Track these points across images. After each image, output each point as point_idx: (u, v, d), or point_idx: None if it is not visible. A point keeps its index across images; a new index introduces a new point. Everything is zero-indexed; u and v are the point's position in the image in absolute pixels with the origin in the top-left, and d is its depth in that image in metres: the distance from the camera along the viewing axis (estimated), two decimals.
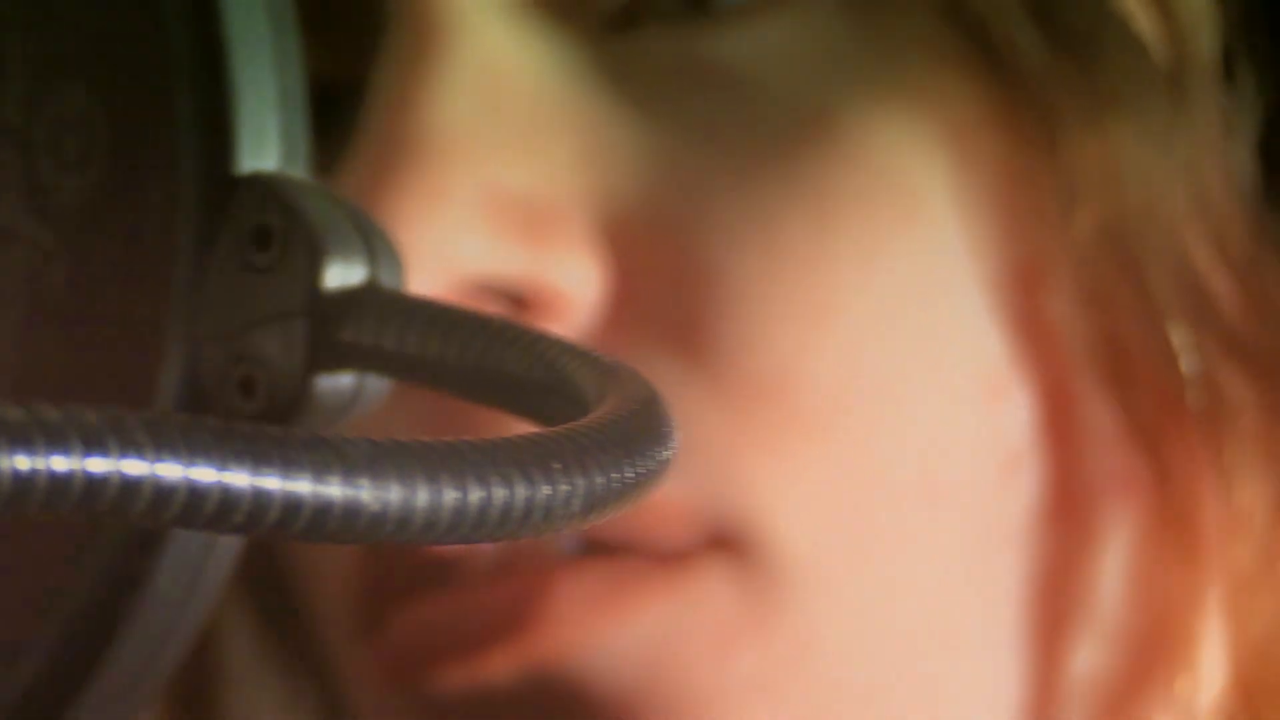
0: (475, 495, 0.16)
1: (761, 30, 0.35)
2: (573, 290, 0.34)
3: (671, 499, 0.33)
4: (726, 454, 0.33)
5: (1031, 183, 0.34)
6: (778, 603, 0.34)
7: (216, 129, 0.24)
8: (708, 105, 0.35)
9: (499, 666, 0.34)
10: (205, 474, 0.15)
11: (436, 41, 0.34)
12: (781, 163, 0.34)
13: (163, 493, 0.15)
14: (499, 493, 0.16)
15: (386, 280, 0.23)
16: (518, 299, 0.34)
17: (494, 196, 0.33)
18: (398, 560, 0.36)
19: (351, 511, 0.16)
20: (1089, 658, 0.36)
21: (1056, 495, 0.35)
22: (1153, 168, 0.34)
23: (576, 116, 0.35)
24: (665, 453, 0.19)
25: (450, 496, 0.16)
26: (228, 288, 0.23)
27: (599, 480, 0.17)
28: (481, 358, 0.22)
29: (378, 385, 0.23)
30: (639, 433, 0.18)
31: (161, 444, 0.15)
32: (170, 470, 0.15)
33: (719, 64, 0.35)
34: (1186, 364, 0.34)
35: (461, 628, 0.35)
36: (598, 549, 0.34)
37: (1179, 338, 0.34)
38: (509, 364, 0.21)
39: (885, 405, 0.34)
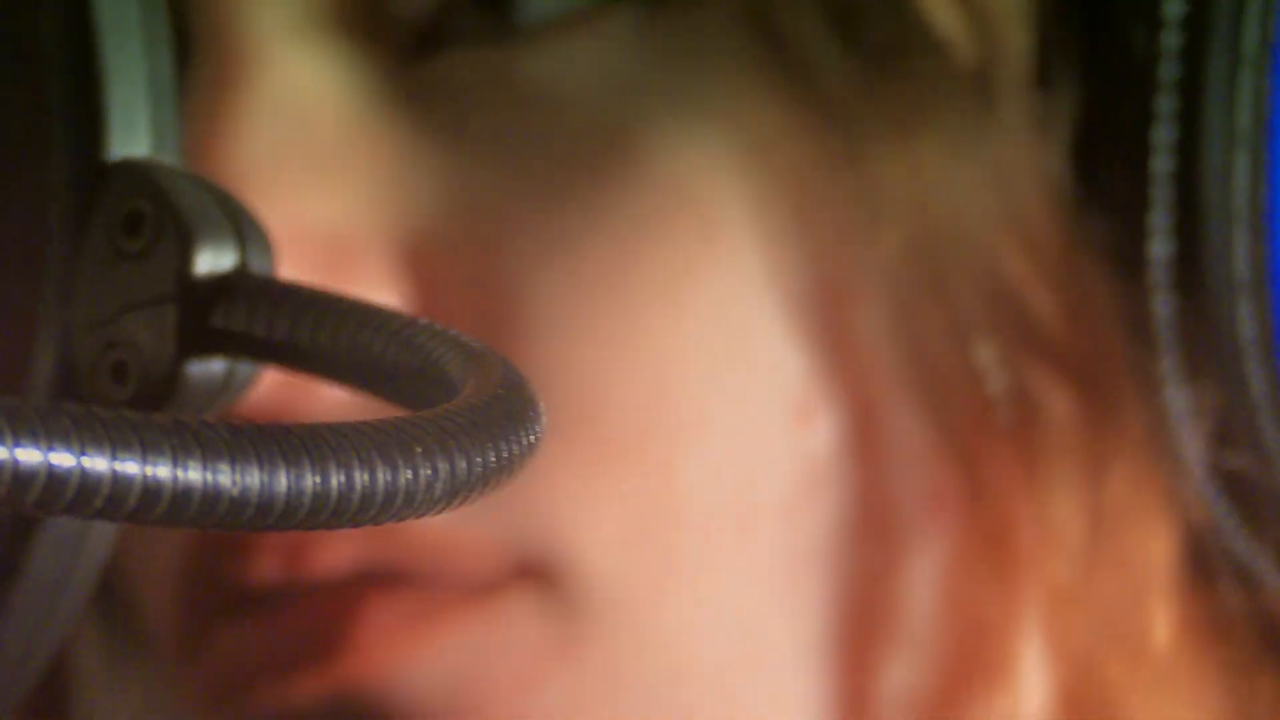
0: (336, 480, 0.16)
1: (565, 51, 0.34)
2: None
3: (476, 530, 0.34)
4: (531, 483, 0.34)
5: (836, 199, 0.34)
6: (584, 632, 0.34)
7: (87, 115, 0.24)
8: (511, 127, 0.35)
9: (307, 690, 0.34)
10: (64, 459, 0.15)
11: (237, 71, 0.34)
12: (584, 186, 0.34)
13: (21, 478, 0.15)
14: (360, 477, 0.17)
15: (257, 266, 0.23)
16: None
17: (295, 231, 0.33)
18: (218, 580, 0.36)
19: (211, 497, 0.16)
20: (901, 675, 0.36)
21: (864, 513, 0.35)
22: (960, 177, 0.34)
23: (379, 144, 0.34)
24: (530, 437, 0.19)
25: (311, 481, 0.16)
26: (99, 274, 0.23)
27: (462, 465, 0.17)
28: (350, 343, 0.22)
29: (249, 371, 0.23)
30: (504, 417, 0.19)
31: (20, 429, 0.15)
32: (29, 455, 0.15)
33: (523, 85, 0.34)
34: (995, 380, 0.34)
35: (272, 650, 0.35)
36: (406, 578, 0.34)
37: (986, 354, 0.34)
38: (377, 349, 0.22)
39: (691, 431, 0.34)
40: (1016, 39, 0.35)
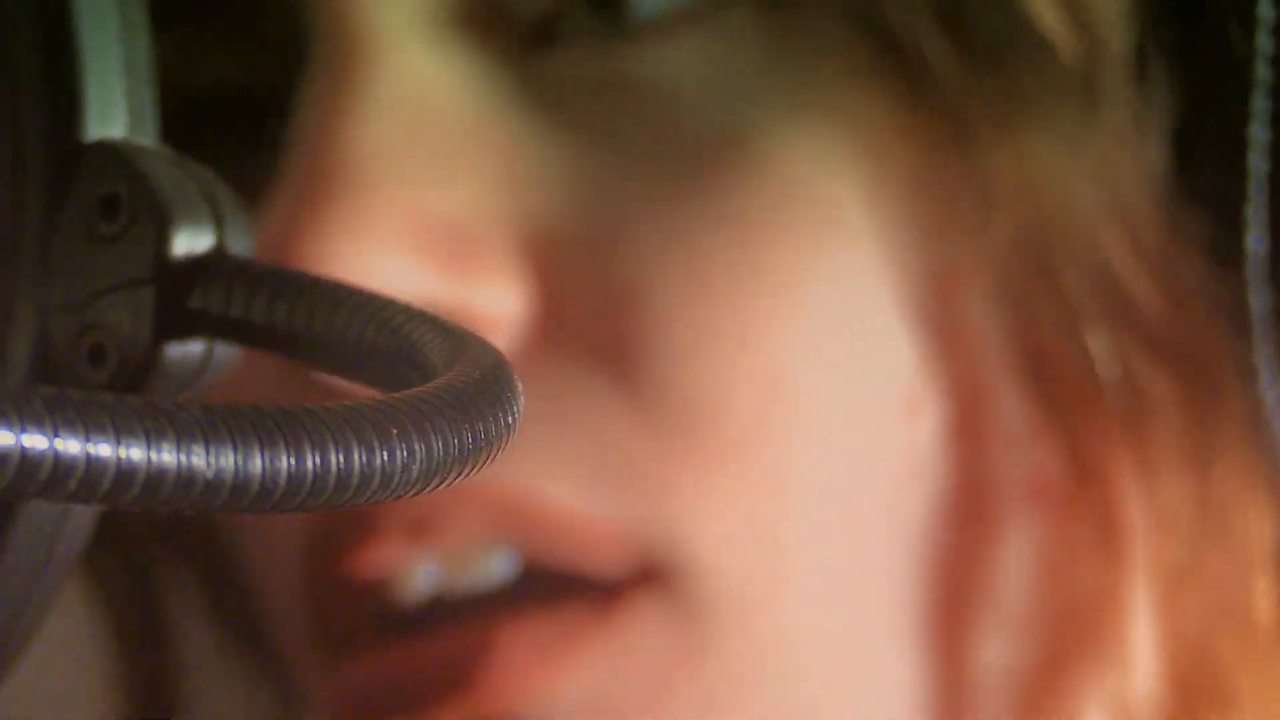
0: (311, 461, 0.16)
1: (678, 48, 0.35)
2: (496, 314, 0.34)
3: (601, 523, 0.34)
4: (653, 478, 0.34)
5: (947, 191, 0.35)
6: (707, 635, 0.34)
7: (62, 96, 0.24)
8: (627, 124, 0.35)
9: None
10: (37, 441, 0.15)
11: (358, 63, 0.34)
12: (701, 182, 0.34)
13: None
14: (336, 459, 0.16)
15: (235, 247, 0.23)
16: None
17: (417, 222, 0.33)
18: (347, 600, 0.36)
19: (186, 479, 0.16)
20: (1000, 652, 0.36)
21: (966, 497, 0.36)
22: (1066, 170, 0.35)
23: (497, 138, 0.35)
24: (508, 418, 0.19)
25: (286, 463, 0.16)
26: (75, 256, 0.23)
27: (438, 446, 0.17)
28: (328, 324, 0.22)
29: (227, 353, 0.23)
30: (481, 398, 0.19)
31: None
32: (2, 438, 0.15)
33: (637, 82, 0.35)
34: (1104, 366, 0.35)
35: (409, 683, 0.35)
36: (535, 585, 0.35)
37: (1096, 340, 0.35)
38: (355, 331, 0.22)
39: (806, 429, 0.34)
40: (1118, 37, 0.35)
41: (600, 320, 0.34)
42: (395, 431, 0.17)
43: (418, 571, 0.35)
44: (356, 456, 0.17)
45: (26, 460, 0.15)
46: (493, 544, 0.35)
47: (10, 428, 0.15)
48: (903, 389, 0.35)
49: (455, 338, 0.21)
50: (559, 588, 0.35)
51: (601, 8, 0.35)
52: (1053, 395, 0.35)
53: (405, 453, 0.17)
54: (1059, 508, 0.36)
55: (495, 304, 0.34)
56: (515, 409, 0.19)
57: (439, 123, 0.35)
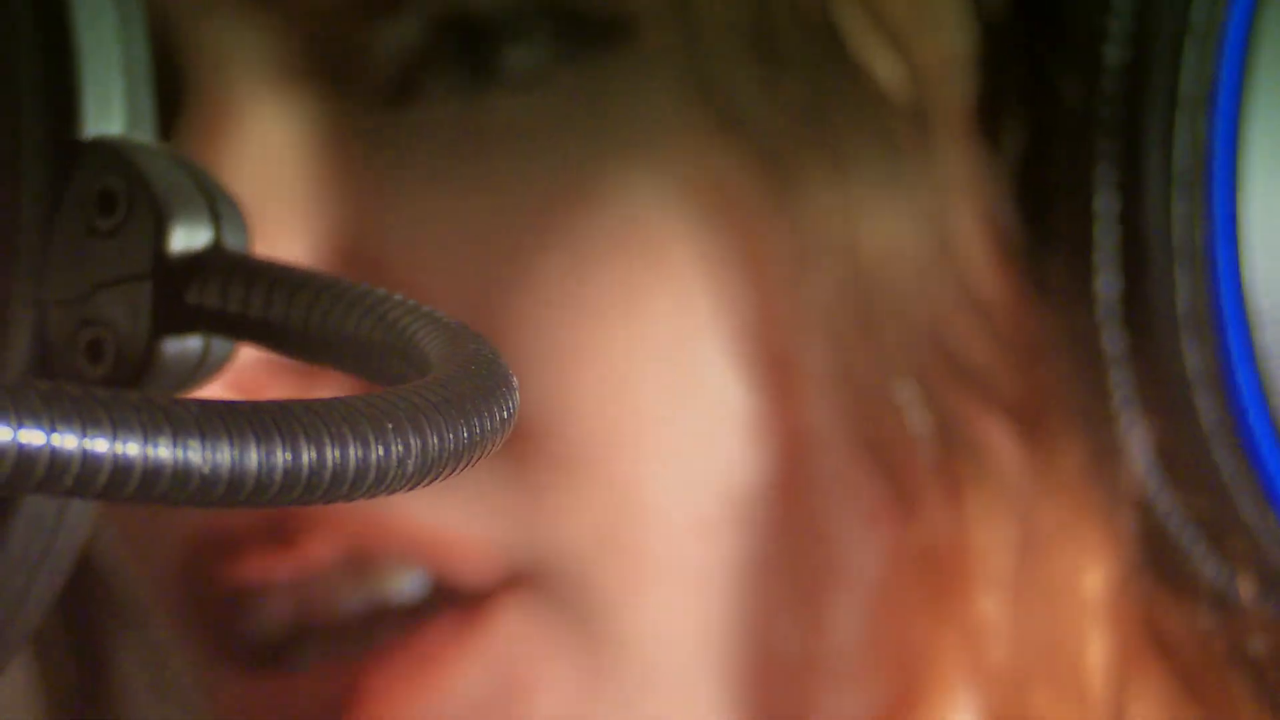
0: (307, 456, 0.16)
1: (530, 99, 0.36)
2: None
3: (462, 536, 0.36)
4: (509, 489, 0.36)
5: (772, 238, 0.36)
6: (567, 640, 0.36)
7: (60, 94, 0.24)
8: (481, 167, 0.37)
9: None
10: (34, 436, 0.15)
11: (218, 123, 0.36)
12: (542, 215, 0.36)
13: None
14: (331, 454, 0.17)
15: (232, 243, 0.23)
16: None
17: None
18: (230, 627, 0.37)
19: (182, 474, 0.16)
20: (832, 701, 0.37)
21: (797, 538, 0.37)
22: (895, 221, 0.36)
23: (353, 184, 0.36)
24: (503, 413, 0.19)
25: (282, 458, 0.16)
26: (73, 252, 0.23)
27: (434, 441, 0.17)
28: (325, 319, 0.22)
29: (224, 348, 0.23)
30: (476, 393, 0.19)
31: None
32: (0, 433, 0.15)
33: (494, 129, 0.37)
34: (915, 416, 0.36)
35: (289, 710, 0.37)
36: (393, 609, 0.36)
37: (906, 392, 0.36)
38: (352, 326, 0.22)
39: (649, 441, 0.36)
40: (955, 85, 0.36)
41: None
42: (390, 426, 0.17)
43: (278, 589, 0.37)
44: (352, 451, 0.17)
45: (24, 455, 0.15)
46: (356, 564, 0.36)
47: (7, 422, 0.15)
48: (734, 417, 0.36)
49: (451, 333, 0.21)
50: (421, 607, 0.37)
51: (464, 63, 0.37)
52: (877, 442, 0.36)
53: (401, 448, 0.17)
54: (884, 554, 0.37)
55: None
56: (511, 404, 0.19)
57: (296, 175, 0.36)
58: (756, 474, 0.36)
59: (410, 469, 0.17)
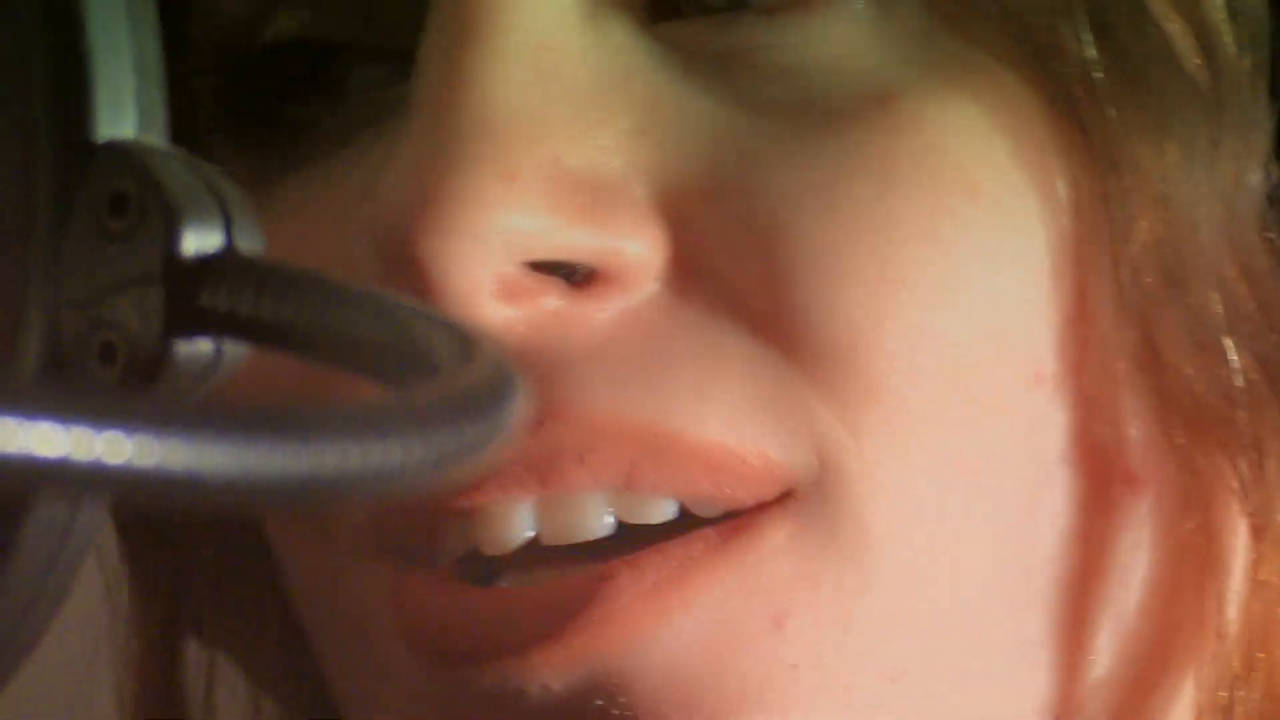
0: (314, 460, 0.16)
1: (809, 23, 0.35)
2: (638, 264, 0.34)
3: (752, 455, 0.34)
4: (801, 411, 0.34)
5: (1088, 192, 0.35)
6: (835, 560, 0.35)
7: (73, 96, 0.24)
8: (761, 85, 0.35)
9: (543, 668, 0.34)
10: (45, 436, 0.15)
11: (485, 15, 0.34)
12: (840, 134, 0.35)
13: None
14: (335, 458, 0.17)
15: (244, 246, 0.23)
16: (587, 274, 0.34)
17: (556, 175, 0.33)
18: (427, 530, 0.36)
19: (192, 478, 0.16)
20: (1107, 657, 0.37)
21: (1089, 496, 0.36)
22: (1197, 189, 0.35)
23: (629, 93, 0.35)
24: (508, 416, 0.19)
25: (286, 460, 0.16)
26: (85, 254, 0.23)
27: (436, 445, 0.18)
28: (336, 322, 0.22)
29: (237, 350, 0.24)
30: (483, 399, 0.19)
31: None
32: (9, 434, 0.15)
33: (768, 52, 0.35)
34: (1230, 380, 0.35)
35: (506, 626, 0.35)
36: (654, 529, 0.35)
37: (1225, 355, 0.35)
38: (362, 328, 0.22)
39: (950, 378, 0.35)
40: (1247, 62, 0.35)
41: (739, 266, 0.34)
42: (396, 429, 0.17)
43: (517, 511, 0.35)
44: (359, 455, 0.17)
45: (32, 455, 0.15)
46: (641, 486, 0.35)
47: (19, 422, 0.15)
48: (1036, 359, 0.35)
49: (461, 336, 0.21)
50: (686, 523, 0.35)
51: None
52: (1173, 404, 0.35)
53: (404, 452, 0.17)
54: (1172, 519, 0.36)
55: (635, 254, 0.34)
56: (515, 407, 0.19)
57: (571, 75, 0.35)
58: (1045, 415, 0.35)
59: (415, 471, 0.17)
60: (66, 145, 0.24)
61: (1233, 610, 0.36)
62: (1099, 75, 0.35)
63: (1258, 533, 0.36)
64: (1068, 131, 0.35)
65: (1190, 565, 0.36)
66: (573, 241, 0.34)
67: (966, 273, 0.35)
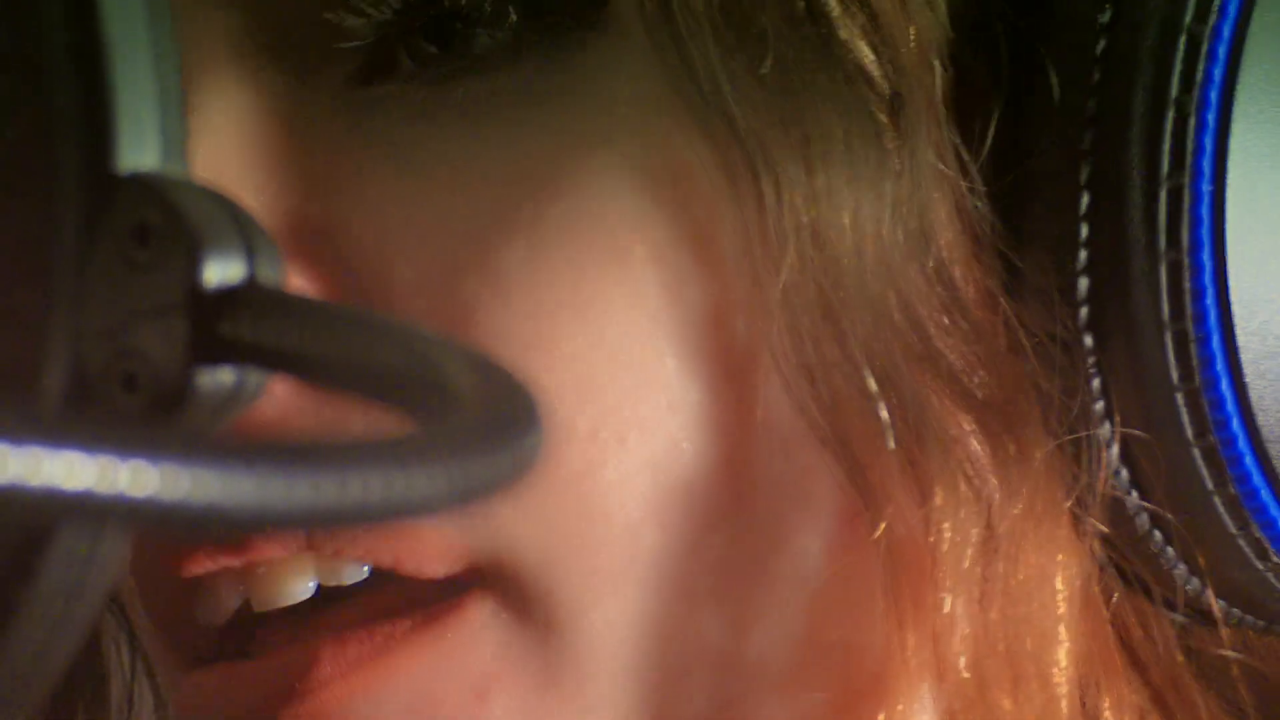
0: (331, 491, 0.17)
1: (500, 78, 0.36)
2: None
3: (422, 528, 0.35)
4: None
5: (739, 226, 0.35)
6: (532, 634, 0.36)
7: (96, 127, 0.24)
8: (442, 145, 0.36)
9: None
10: (66, 466, 0.15)
11: (188, 93, 0.35)
12: (502, 196, 0.35)
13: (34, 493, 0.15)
14: (357, 489, 0.17)
15: (266, 277, 0.23)
16: None
17: None
18: (174, 603, 0.37)
19: (209, 508, 0.16)
20: (763, 700, 0.37)
21: (738, 530, 0.36)
22: (864, 209, 0.35)
23: (305, 163, 0.36)
24: (531, 443, 0.19)
25: (305, 491, 0.16)
26: (109, 285, 0.23)
27: (460, 474, 0.18)
28: (357, 352, 0.22)
29: (259, 380, 0.24)
30: (502, 427, 0.19)
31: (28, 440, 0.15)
32: (33, 465, 0.15)
33: (458, 108, 0.36)
34: (883, 407, 0.35)
35: (240, 698, 0.37)
36: (355, 595, 0.36)
37: (874, 382, 0.35)
38: (385, 359, 0.22)
39: (598, 439, 0.35)
40: (933, 72, 0.35)
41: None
42: (419, 460, 0.17)
43: (226, 581, 0.36)
44: (381, 486, 0.17)
45: (57, 485, 0.15)
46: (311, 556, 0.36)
47: (44, 451, 0.15)
48: (693, 410, 0.36)
49: (482, 368, 0.21)
50: (378, 596, 0.36)
51: (430, 39, 0.36)
52: (841, 436, 0.35)
53: (427, 482, 0.17)
54: (843, 549, 0.36)
55: None
56: (538, 436, 0.19)
57: (251, 149, 0.36)
58: (700, 467, 0.36)
59: (436, 502, 0.17)
60: (90, 176, 0.24)
61: (916, 638, 0.36)
62: (744, 95, 0.35)
63: (932, 559, 0.35)
64: (722, 166, 0.35)
65: (872, 596, 0.36)
66: None
67: (617, 337, 0.35)
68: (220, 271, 0.23)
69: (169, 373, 0.23)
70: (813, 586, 0.36)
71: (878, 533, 0.35)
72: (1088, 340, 0.34)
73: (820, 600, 0.36)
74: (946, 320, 0.35)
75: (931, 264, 0.35)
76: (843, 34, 0.35)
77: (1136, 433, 0.35)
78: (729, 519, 0.36)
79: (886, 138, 0.35)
